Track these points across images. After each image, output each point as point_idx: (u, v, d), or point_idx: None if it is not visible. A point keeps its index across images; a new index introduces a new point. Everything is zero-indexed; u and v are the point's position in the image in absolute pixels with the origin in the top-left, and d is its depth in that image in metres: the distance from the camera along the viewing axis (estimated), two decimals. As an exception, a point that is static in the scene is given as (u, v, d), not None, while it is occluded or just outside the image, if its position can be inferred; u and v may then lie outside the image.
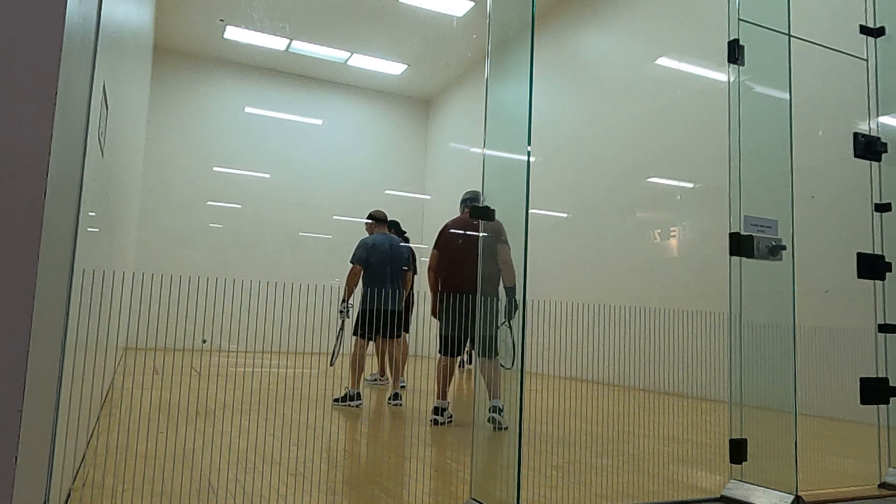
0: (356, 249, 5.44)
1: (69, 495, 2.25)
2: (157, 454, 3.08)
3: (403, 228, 6.92)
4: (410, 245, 6.09)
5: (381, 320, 5.46)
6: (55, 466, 1.63)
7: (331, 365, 5.38)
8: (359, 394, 5.16)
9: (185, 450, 3.22)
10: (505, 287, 4.26)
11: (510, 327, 4.06)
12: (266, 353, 8.20)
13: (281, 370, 7.81)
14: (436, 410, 4.51)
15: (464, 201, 5.06)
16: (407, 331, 6.59)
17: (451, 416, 4.53)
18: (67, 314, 1.62)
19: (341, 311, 5.30)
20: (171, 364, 7.03)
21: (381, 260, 5.40)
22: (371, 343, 5.60)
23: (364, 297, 5.44)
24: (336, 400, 5.23)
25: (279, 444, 3.53)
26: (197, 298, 7.54)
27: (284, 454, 3.26)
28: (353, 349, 5.38)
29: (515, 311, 4.19)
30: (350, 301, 5.32)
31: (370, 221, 5.76)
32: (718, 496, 2.62)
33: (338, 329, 5.30)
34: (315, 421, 4.39)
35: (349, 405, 5.11)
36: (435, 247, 4.84)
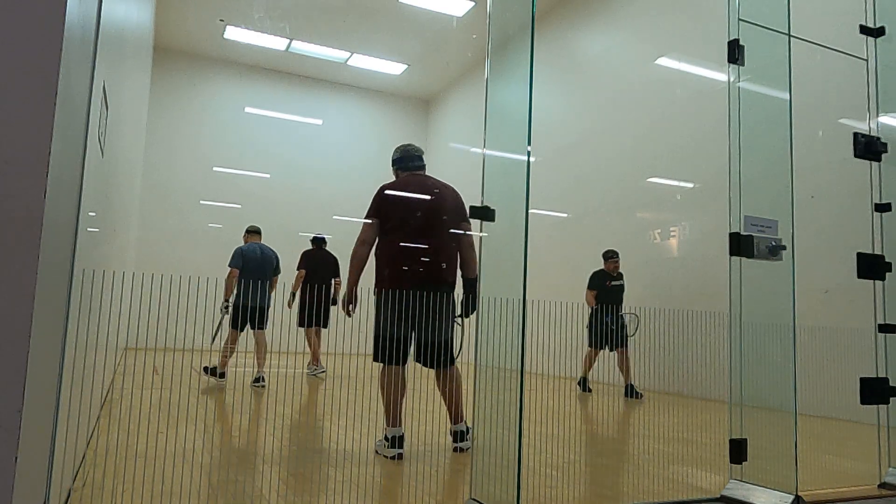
0: (233, 256, 6.60)
1: (69, 495, 2.25)
2: (157, 454, 3.08)
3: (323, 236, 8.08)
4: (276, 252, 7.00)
5: (254, 314, 6.53)
6: (55, 466, 1.63)
7: (210, 343, 6.40)
8: (224, 373, 6.36)
9: (185, 450, 3.22)
10: (465, 278, 3.53)
11: (461, 325, 3.47)
12: (266, 354, 8.21)
13: (281, 370, 7.81)
14: (389, 441, 3.24)
15: (395, 161, 3.80)
16: (263, 327, 7.28)
17: (401, 451, 3.25)
18: (67, 314, 1.62)
19: (223, 309, 6.44)
20: (171, 364, 7.03)
21: (253, 264, 6.57)
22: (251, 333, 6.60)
23: (239, 295, 6.52)
24: (206, 369, 6.38)
25: (279, 444, 3.53)
26: (197, 298, 7.51)
27: (284, 454, 3.26)
28: (229, 337, 6.47)
29: (474, 310, 3.32)
30: (230, 300, 6.49)
31: (252, 233, 6.93)
32: (718, 496, 2.62)
33: (219, 322, 6.37)
34: (315, 421, 4.39)
35: (216, 379, 6.32)
36: (370, 215, 3.55)
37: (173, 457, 3.05)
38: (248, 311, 6.52)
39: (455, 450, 3.45)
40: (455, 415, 3.42)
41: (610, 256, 7.25)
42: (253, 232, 6.93)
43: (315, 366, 7.60)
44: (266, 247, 6.81)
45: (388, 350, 3.36)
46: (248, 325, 6.53)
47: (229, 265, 6.58)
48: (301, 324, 7.65)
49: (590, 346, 7.05)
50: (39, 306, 1.19)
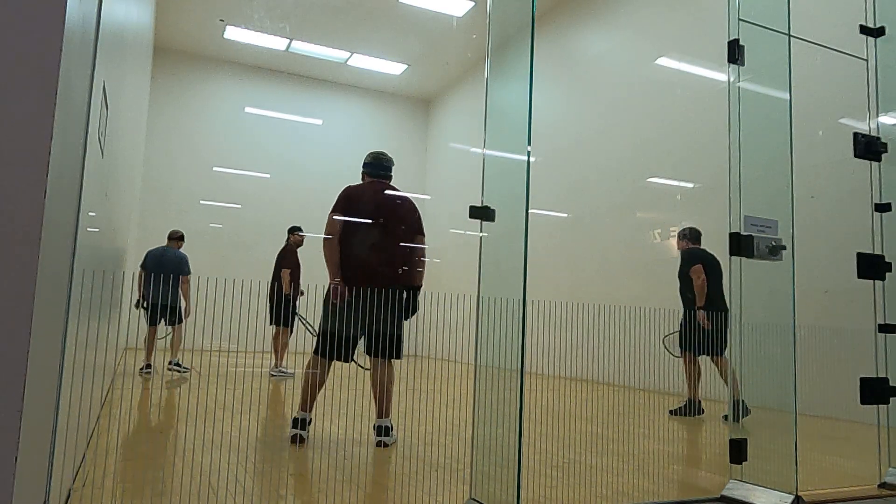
0: (145, 258, 7.26)
1: (69, 495, 2.25)
2: (157, 454, 3.08)
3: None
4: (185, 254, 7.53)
5: (164, 311, 7.11)
6: (55, 466, 1.63)
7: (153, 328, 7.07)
8: (149, 365, 6.98)
9: (185, 450, 3.22)
10: (414, 286, 3.76)
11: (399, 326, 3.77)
12: (266, 353, 8.21)
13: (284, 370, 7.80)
14: (295, 423, 3.51)
15: (366, 165, 3.98)
16: (178, 322, 7.48)
17: (304, 435, 3.49)
18: (67, 314, 1.62)
19: (137, 305, 7.13)
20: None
21: (153, 266, 7.19)
22: (156, 327, 7.13)
23: (147, 294, 7.18)
24: (141, 370, 6.91)
25: (279, 444, 3.53)
26: (197, 298, 7.54)
27: (284, 454, 3.26)
28: (147, 333, 7.09)
29: (414, 312, 3.74)
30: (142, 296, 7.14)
31: (170, 238, 7.49)
32: (718, 496, 2.62)
33: (148, 316, 7.07)
34: (314, 421, 4.39)
35: (144, 373, 6.83)
36: (336, 210, 3.79)
37: (173, 457, 3.05)
38: (156, 308, 7.21)
39: (378, 444, 3.51)
40: (383, 410, 3.60)
41: (679, 235, 5.75)
42: (170, 238, 7.53)
43: (280, 367, 7.58)
44: (172, 250, 7.42)
45: (330, 345, 3.60)
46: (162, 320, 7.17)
47: (140, 266, 7.34)
48: (273, 322, 7.73)
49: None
50: (39, 306, 1.19)
